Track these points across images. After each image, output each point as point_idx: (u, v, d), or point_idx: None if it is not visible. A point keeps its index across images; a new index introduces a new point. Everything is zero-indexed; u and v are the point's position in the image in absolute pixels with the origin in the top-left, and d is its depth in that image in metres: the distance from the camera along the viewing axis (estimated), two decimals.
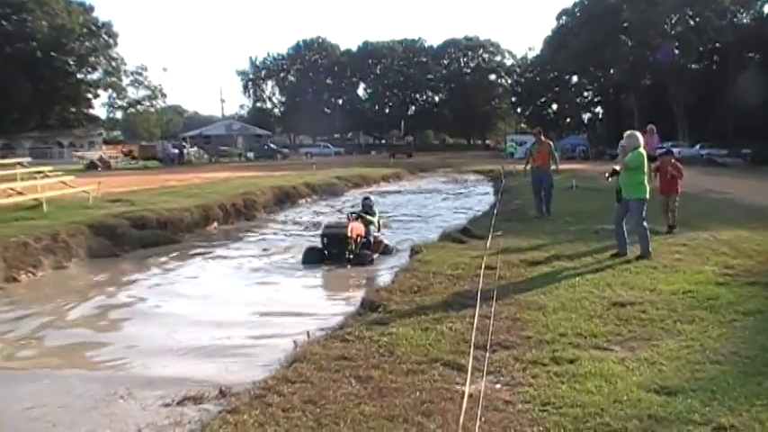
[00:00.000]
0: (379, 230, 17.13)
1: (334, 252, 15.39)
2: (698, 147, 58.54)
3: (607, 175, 13.81)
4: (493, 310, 8.85)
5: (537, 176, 19.61)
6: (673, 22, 74.78)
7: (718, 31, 69.73)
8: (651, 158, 21.02)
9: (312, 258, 15.50)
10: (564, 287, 10.23)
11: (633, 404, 5.80)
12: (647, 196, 12.61)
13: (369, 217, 16.69)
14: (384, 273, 14.24)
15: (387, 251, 16.60)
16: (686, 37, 71.75)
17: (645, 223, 12.43)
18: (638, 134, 12.87)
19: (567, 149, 66.28)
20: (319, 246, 15.75)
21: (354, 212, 17.33)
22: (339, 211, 26.15)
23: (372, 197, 18.67)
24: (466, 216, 23.25)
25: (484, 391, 6.19)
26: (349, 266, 15.04)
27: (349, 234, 15.32)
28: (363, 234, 16.07)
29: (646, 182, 12.58)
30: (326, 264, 15.25)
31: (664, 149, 20.99)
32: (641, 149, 12.54)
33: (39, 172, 28.12)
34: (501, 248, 13.42)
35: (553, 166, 19.63)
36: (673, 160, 16.53)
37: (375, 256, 15.89)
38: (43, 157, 67.74)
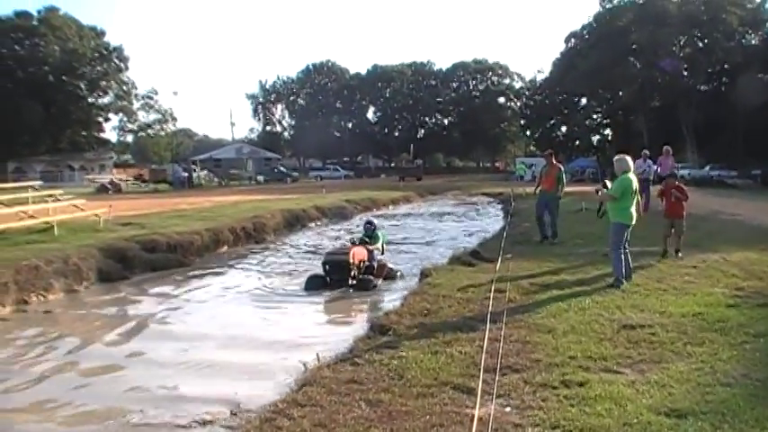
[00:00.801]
0: (383, 254, 16.85)
1: (336, 279, 15.22)
2: (707, 168, 58.54)
3: (596, 189, 13.70)
4: (502, 333, 8.86)
5: (542, 200, 19.28)
6: (681, 43, 75.01)
7: (726, 52, 69.91)
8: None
9: (314, 285, 15.31)
10: (574, 310, 10.22)
11: (643, 427, 5.80)
12: (630, 222, 12.36)
13: (371, 242, 16.48)
14: (388, 297, 14.20)
15: (391, 275, 16.36)
16: (695, 58, 71.96)
17: (620, 250, 12.19)
18: (628, 158, 12.65)
19: (577, 172, 66.21)
20: (321, 273, 15.52)
21: (357, 237, 17.27)
22: (350, 232, 26.11)
23: (375, 220, 18.46)
24: (476, 239, 23.24)
25: (493, 415, 6.19)
26: (351, 291, 14.93)
27: (351, 260, 15.16)
28: (366, 259, 15.83)
29: (631, 208, 12.33)
30: (329, 290, 15.09)
31: (668, 172, 20.81)
32: (630, 175, 12.38)
33: (50, 195, 28.20)
34: (510, 271, 13.40)
35: (558, 194, 19.14)
36: (677, 183, 16.21)
37: (379, 281, 15.68)
38: (54, 180, 68.18)
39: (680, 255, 15.00)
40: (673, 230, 15.45)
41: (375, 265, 16.02)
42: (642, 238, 15.00)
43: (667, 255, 15.08)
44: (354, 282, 15.17)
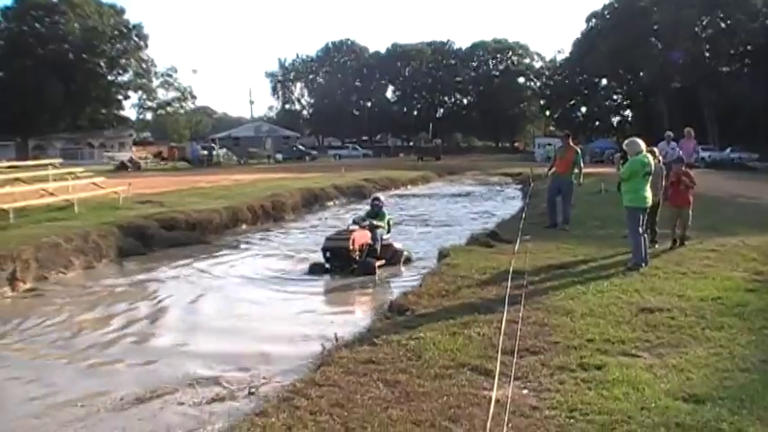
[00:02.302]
0: (388, 232, 16.34)
1: (336, 265, 14.83)
2: (728, 150, 57.95)
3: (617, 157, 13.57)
4: (521, 314, 8.85)
5: (555, 184, 18.13)
6: (704, 24, 74.14)
7: (749, 34, 69.02)
8: (689, 165, 20.08)
9: (316, 272, 14.99)
10: (592, 292, 10.20)
11: (661, 412, 5.79)
12: (644, 205, 12.27)
13: (377, 222, 15.85)
14: (400, 279, 14.28)
15: (398, 256, 15.97)
16: (717, 39, 71.15)
17: (639, 233, 12.12)
18: (639, 140, 12.46)
19: (596, 153, 65.64)
20: (322, 260, 15.08)
21: (361, 217, 16.61)
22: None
23: (382, 197, 17.74)
24: (494, 220, 23.20)
25: (511, 397, 6.20)
26: (353, 276, 14.50)
27: (351, 247, 14.67)
28: (369, 241, 15.31)
29: (644, 191, 12.20)
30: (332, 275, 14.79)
31: (702, 158, 19.95)
32: (642, 156, 12.20)
33: (70, 173, 28.38)
34: (529, 253, 13.32)
35: (575, 180, 17.90)
36: (683, 168, 14.79)
37: (381, 262, 15.29)
38: (74, 157, 68.43)
39: (686, 244, 14.18)
40: (678, 220, 14.32)
41: (379, 247, 15.51)
42: (663, 220, 14.85)
43: (676, 244, 14.16)
44: (356, 266, 14.73)
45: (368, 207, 16.79)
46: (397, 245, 16.46)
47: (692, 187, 14.54)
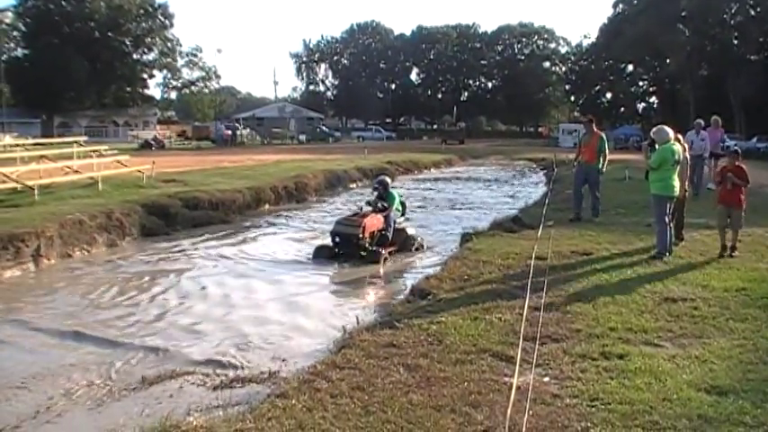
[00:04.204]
0: (402, 215, 15.82)
1: (345, 251, 14.34)
2: (755, 140, 57.35)
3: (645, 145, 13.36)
4: (543, 301, 8.83)
5: (581, 173, 17.20)
6: (733, 11, 73.35)
7: None
8: (715, 155, 19.68)
9: (322, 255, 14.60)
10: (615, 280, 10.16)
11: (683, 403, 5.76)
12: (672, 194, 12.04)
13: (386, 203, 15.19)
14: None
15: (411, 241, 15.43)
16: (746, 26, 70.34)
17: (665, 221, 11.94)
18: (668, 129, 12.25)
19: (621, 140, 65.31)
20: (330, 244, 14.66)
21: (370, 201, 15.66)
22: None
23: (388, 179, 16.66)
24: (517, 205, 23.14)
25: (532, 384, 6.18)
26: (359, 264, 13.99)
27: (361, 234, 14.10)
28: (381, 226, 14.74)
29: (672, 180, 11.99)
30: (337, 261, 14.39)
31: (727, 146, 19.06)
32: (671, 144, 12.03)
33: (95, 151, 28.58)
34: (552, 239, 13.21)
35: (600, 165, 16.86)
36: (736, 163, 12.59)
37: (392, 248, 14.76)
38: (99, 135, 69.01)
39: (735, 254, 12.08)
40: (729, 221, 12.28)
41: (390, 234, 14.92)
42: (687, 211, 14.65)
43: (726, 252, 12.12)
44: (364, 253, 14.19)
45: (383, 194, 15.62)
46: (410, 230, 16.01)
47: (744, 186, 12.44)
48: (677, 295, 9.20)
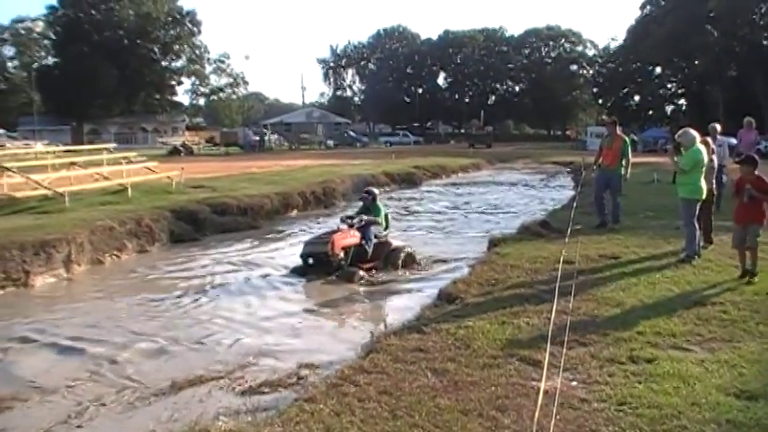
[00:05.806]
0: (386, 229, 14.48)
1: (319, 271, 13.33)
2: None
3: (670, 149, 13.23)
4: (571, 305, 8.79)
5: (603, 178, 16.22)
6: (762, 11, 72.66)
7: None
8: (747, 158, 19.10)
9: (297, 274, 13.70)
10: (643, 284, 10.08)
11: (711, 408, 5.72)
12: (702, 197, 11.92)
13: (369, 218, 14.13)
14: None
15: (396, 255, 14.12)
16: None
17: (694, 225, 11.81)
18: (693, 131, 12.18)
19: (649, 142, 64.84)
20: (303, 267, 13.67)
21: (350, 216, 14.64)
22: (418, 201, 26.04)
23: (376, 190, 15.59)
24: (546, 208, 23.07)
25: (560, 389, 6.16)
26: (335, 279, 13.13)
27: (330, 251, 13.11)
28: (357, 242, 13.69)
29: (701, 182, 11.85)
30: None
31: (751, 148, 18.18)
32: (698, 147, 11.90)
33: (124, 157, 28.83)
34: (580, 243, 13.12)
35: (623, 170, 15.83)
36: (756, 172, 10.50)
37: (371, 265, 13.72)
38: (128, 142, 69.84)
39: (755, 279, 10.19)
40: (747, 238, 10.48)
41: (370, 247, 13.90)
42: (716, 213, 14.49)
43: (746, 277, 10.32)
44: (338, 273, 13.19)
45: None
46: (397, 242, 14.83)
47: (766, 199, 10.37)
48: (706, 299, 9.15)
